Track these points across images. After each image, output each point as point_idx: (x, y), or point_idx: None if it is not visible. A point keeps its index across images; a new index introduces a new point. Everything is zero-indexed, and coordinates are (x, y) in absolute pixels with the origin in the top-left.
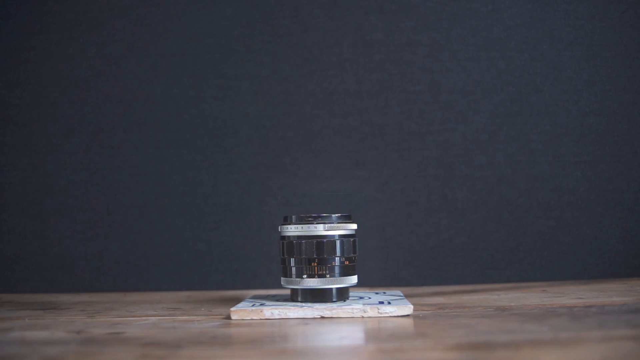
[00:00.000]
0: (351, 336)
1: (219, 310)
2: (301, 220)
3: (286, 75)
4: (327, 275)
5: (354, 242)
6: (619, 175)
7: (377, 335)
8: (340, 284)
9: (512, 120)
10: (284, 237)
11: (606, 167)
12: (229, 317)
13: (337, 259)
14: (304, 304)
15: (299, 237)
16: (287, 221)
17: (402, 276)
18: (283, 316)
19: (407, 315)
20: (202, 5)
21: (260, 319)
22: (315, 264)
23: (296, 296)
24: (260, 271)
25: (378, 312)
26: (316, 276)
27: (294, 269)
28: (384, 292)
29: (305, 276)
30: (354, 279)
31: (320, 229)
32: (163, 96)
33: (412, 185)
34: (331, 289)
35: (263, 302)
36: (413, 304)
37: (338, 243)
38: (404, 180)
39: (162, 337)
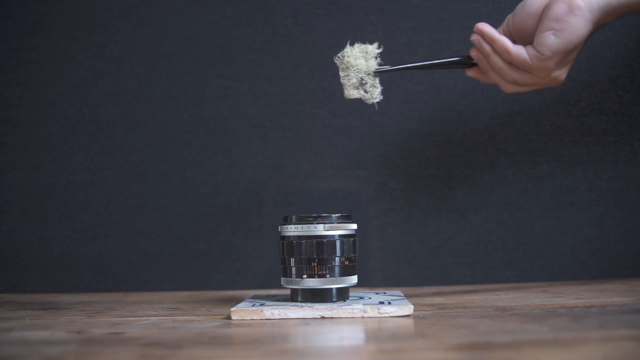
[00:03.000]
0: (351, 336)
1: (219, 311)
2: (301, 220)
3: (286, 75)
4: (327, 275)
5: (354, 242)
6: (619, 175)
7: (378, 335)
8: (340, 284)
9: (512, 120)
10: (284, 237)
11: (606, 167)
12: (229, 317)
13: (337, 259)
14: (304, 304)
15: (299, 237)
16: (287, 221)
17: (402, 276)
18: (283, 316)
19: (408, 316)
20: (202, 5)
21: (261, 319)
22: (315, 264)
23: (296, 296)
24: (260, 271)
25: (378, 312)
26: (316, 276)
27: (294, 269)
28: (384, 292)
29: (305, 276)
30: (354, 279)
31: (320, 229)
32: (163, 96)
33: (412, 185)
34: (331, 289)
35: (263, 302)
36: (413, 304)
37: (338, 243)
38: (404, 180)
39: (162, 337)
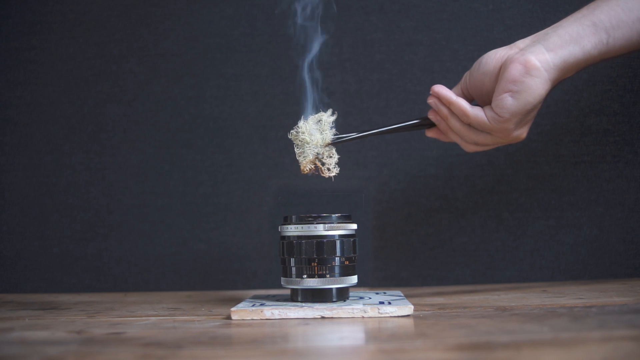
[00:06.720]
0: (352, 336)
1: (219, 311)
2: (301, 220)
3: (286, 75)
4: (327, 275)
5: (354, 242)
6: (619, 175)
7: (378, 335)
8: (340, 284)
9: None
10: (284, 237)
11: (606, 167)
12: (229, 317)
13: (337, 259)
14: (304, 304)
15: (299, 237)
16: (287, 221)
17: (402, 276)
18: (283, 316)
19: (408, 316)
20: (202, 5)
21: (261, 319)
22: (315, 264)
23: (296, 296)
24: (260, 271)
25: (378, 312)
26: (316, 276)
27: (294, 269)
28: (384, 292)
29: (305, 276)
30: (354, 279)
31: (320, 229)
32: (163, 96)
33: (412, 185)
34: (331, 289)
35: (263, 302)
36: (413, 304)
37: (338, 243)
38: (404, 180)
39: (162, 337)
